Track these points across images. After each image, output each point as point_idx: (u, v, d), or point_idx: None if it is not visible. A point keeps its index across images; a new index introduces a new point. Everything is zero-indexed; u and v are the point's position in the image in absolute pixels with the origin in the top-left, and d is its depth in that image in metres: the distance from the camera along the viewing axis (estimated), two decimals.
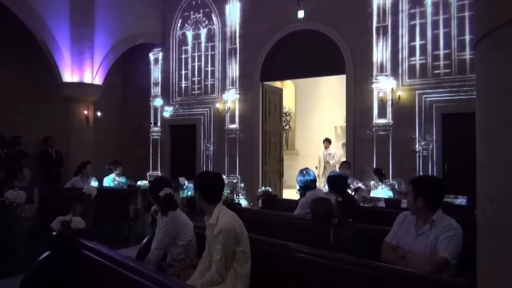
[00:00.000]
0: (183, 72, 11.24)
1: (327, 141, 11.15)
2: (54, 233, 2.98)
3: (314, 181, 5.06)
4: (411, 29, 8.21)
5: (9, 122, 9.54)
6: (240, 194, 9.94)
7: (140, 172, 10.80)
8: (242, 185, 10.10)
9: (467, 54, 7.64)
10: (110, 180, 7.65)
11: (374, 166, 8.07)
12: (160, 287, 2.11)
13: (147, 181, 7.37)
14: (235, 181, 10.14)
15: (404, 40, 8.27)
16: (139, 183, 7.20)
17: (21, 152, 9.10)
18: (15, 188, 5.00)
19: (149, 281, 2.18)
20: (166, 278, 2.27)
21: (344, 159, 9.19)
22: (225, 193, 5.23)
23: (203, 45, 10.88)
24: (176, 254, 3.41)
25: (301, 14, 9.33)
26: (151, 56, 11.76)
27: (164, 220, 3.45)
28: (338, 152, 11.26)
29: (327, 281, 2.62)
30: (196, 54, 11.00)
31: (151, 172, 11.46)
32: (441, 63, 7.92)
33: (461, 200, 6.85)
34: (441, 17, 7.92)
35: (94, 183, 7.07)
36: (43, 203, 5.73)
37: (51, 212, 3.48)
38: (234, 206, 4.64)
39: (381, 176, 6.99)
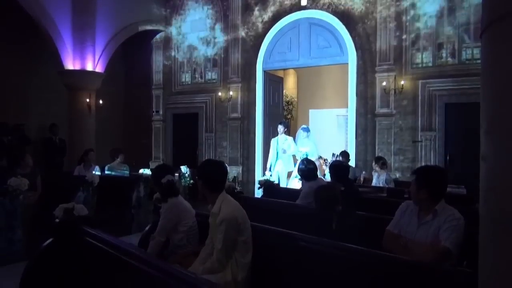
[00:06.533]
0: (185, 60, 11.19)
1: (284, 125, 8.73)
2: (57, 220, 3.00)
3: (315, 170, 5.06)
4: (415, 18, 8.13)
5: (11, 109, 9.53)
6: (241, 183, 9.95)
7: (143, 160, 10.82)
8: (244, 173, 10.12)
9: (472, 43, 7.58)
10: (111, 168, 7.67)
11: (376, 156, 8.06)
12: (162, 274, 2.12)
13: (149, 169, 7.38)
14: (237, 169, 10.15)
15: (408, 28, 8.19)
16: (141, 171, 7.21)
17: (24, 138, 9.12)
18: (18, 176, 5.02)
19: (151, 268, 2.20)
20: (168, 265, 2.29)
21: (303, 148, 8.17)
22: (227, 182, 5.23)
23: (205, 33, 10.80)
24: (177, 240, 3.44)
25: (304, 1, 9.25)
26: (153, 43, 11.69)
27: (164, 206, 3.49)
28: (291, 142, 8.55)
29: (329, 269, 2.64)
30: (198, 42, 10.93)
31: (153, 160, 11.48)
32: (445, 52, 7.86)
33: (462, 190, 6.85)
34: (446, 5, 7.84)
35: (96, 172, 7.08)
36: (46, 191, 5.76)
37: (54, 200, 3.49)
38: (236, 195, 4.64)
39: (383, 165, 6.96)
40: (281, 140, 8.55)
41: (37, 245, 2.94)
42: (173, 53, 11.35)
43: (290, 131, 11.57)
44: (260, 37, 9.86)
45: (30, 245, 4.60)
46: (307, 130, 8.50)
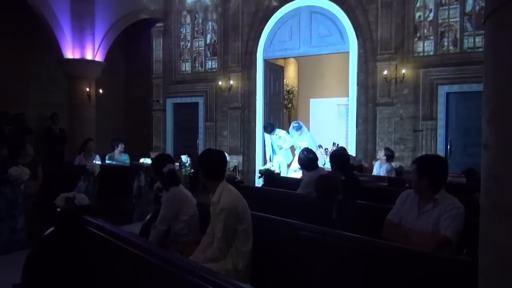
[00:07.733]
0: (185, 49, 11.11)
1: (268, 131, 8.66)
2: (58, 209, 3.01)
3: (315, 160, 5.06)
4: (416, 6, 8.05)
5: (12, 99, 9.52)
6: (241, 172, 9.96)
7: (143, 150, 10.82)
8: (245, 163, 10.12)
9: (474, 31, 7.52)
10: (111, 158, 7.68)
11: (378, 145, 8.05)
12: (163, 262, 2.13)
13: (150, 159, 7.39)
14: (237, 159, 10.15)
15: (409, 17, 8.13)
16: (142, 160, 7.22)
17: (24, 127, 9.12)
18: (18, 165, 5.02)
19: (152, 257, 2.21)
20: (169, 254, 2.30)
21: (301, 144, 7.93)
22: (228, 171, 5.23)
23: (205, 21, 10.71)
24: (179, 229, 3.46)
25: None
26: (153, 32, 11.59)
27: (166, 195, 3.50)
28: (285, 136, 8.50)
29: (329, 258, 2.65)
30: (198, 30, 10.84)
31: (153, 149, 11.47)
32: (447, 40, 7.80)
33: (462, 179, 6.84)
34: None
35: (97, 161, 7.09)
36: (47, 180, 5.76)
37: (55, 189, 3.50)
38: (236, 184, 4.65)
39: (390, 157, 6.81)
40: (275, 139, 8.51)
41: (39, 234, 2.96)
42: (173, 42, 11.25)
43: (291, 119, 11.60)
44: (261, 26, 9.76)
45: (31, 234, 4.63)
46: (298, 128, 8.24)
